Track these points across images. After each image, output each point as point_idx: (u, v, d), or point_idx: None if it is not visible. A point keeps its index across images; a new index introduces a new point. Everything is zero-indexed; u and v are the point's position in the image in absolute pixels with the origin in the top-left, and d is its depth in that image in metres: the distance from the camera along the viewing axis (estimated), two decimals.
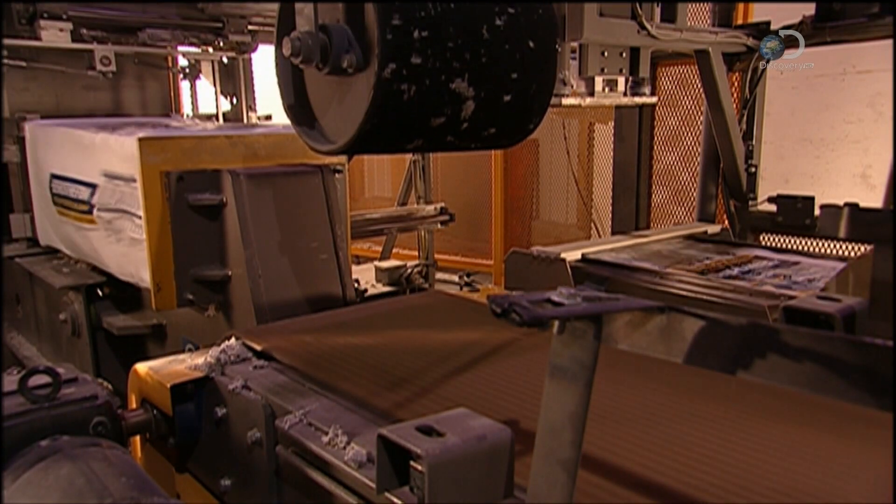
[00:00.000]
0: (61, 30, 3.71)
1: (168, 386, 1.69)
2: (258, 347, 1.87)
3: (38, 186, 3.63)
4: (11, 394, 1.36)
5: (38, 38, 3.69)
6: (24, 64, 3.87)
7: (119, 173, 2.88)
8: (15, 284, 3.91)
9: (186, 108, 4.96)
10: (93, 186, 3.06)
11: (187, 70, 4.76)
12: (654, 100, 3.41)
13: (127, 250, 2.94)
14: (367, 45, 1.30)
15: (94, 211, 3.06)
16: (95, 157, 3.02)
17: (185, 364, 1.81)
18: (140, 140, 2.70)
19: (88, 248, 3.27)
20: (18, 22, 3.71)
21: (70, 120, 3.71)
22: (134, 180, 2.76)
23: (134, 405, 1.84)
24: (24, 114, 3.82)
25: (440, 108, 1.34)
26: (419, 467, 0.97)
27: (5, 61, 3.74)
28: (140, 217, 2.76)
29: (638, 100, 3.29)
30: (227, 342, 1.89)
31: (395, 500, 1.13)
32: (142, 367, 1.83)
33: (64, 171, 3.29)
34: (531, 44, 1.43)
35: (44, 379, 1.38)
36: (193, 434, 1.76)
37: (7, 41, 3.65)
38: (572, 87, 3.01)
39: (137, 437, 1.92)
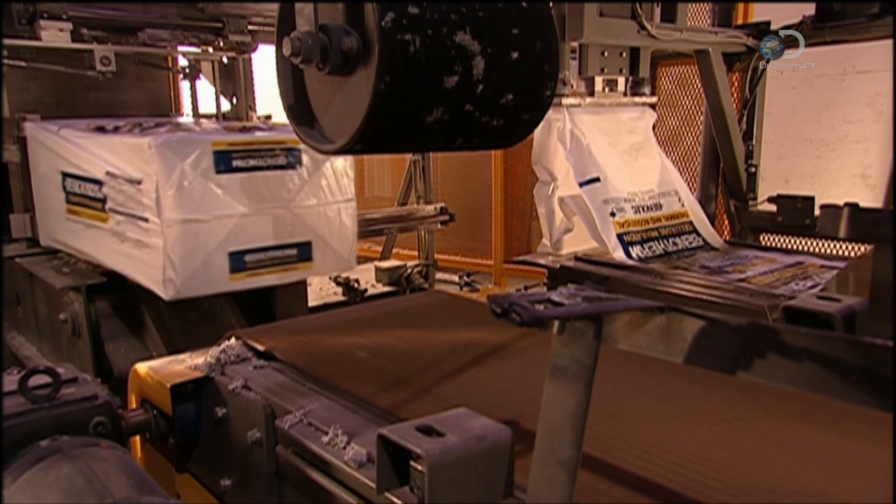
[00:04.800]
0: (61, 30, 3.70)
1: (168, 386, 1.69)
2: (258, 347, 1.87)
3: (42, 186, 3.62)
4: (11, 394, 1.36)
5: (38, 38, 3.68)
6: (24, 64, 3.86)
7: (128, 174, 2.88)
8: (15, 284, 3.90)
9: (186, 108, 4.95)
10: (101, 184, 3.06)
11: (187, 70, 4.75)
12: (653, 100, 3.41)
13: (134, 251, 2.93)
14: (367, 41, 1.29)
15: (107, 210, 3.06)
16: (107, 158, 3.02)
17: (185, 364, 1.81)
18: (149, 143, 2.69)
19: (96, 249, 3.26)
20: (18, 22, 3.70)
21: (76, 120, 3.69)
22: (139, 181, 2.76)
23: (134, 405, 1.84)
24: (24, 114, 3.81)
25: (450, 64, 1.29)
26: (419, 467, 0.97)
27: (5, 61, 3.73)
28: (146, 220, 2.76)
29: (638, 100, 3.29)
30: (227, 342, 1.89)
31: (395, 500, 1.13)
32: (142, 367, 1.83)
33: (77, 171, 3.28)
34: (524, 3, 1.41)
35: (44, 379, 1.38)
36: (193, 434, 1.76)
37: (7, 41, 3.64)
38: (572, 86, 3.02)
39: (137, 437, 1.91)
